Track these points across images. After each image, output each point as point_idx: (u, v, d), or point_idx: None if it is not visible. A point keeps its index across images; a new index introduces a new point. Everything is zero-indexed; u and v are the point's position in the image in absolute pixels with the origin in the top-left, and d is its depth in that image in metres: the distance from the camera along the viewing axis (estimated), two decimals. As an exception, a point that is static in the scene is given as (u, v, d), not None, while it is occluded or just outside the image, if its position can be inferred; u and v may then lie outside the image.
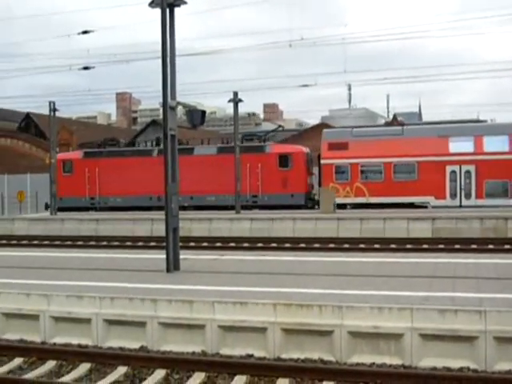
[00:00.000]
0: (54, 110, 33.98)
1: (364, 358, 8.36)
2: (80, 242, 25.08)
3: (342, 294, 9.37)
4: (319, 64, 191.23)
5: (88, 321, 9.68)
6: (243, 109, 36.51)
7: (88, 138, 47.52)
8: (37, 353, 9.23)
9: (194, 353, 8.97)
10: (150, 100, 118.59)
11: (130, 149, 38.55)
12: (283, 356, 8.67)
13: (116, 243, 24.37)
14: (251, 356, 8.75)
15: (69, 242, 25.26)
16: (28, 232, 29.94)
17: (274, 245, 22.44)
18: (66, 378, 8.26)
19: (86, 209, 36.99)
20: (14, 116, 71.14)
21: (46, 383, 8.19)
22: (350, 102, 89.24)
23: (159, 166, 39.98)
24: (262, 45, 36.58)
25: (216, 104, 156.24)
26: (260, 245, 22.50)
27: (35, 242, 25.60)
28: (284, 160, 33.49)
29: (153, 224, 28.39)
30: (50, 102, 34.08)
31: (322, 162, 33.63)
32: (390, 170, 32.49)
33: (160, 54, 12.33)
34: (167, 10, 12.40)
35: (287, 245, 22.37)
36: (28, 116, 66.12)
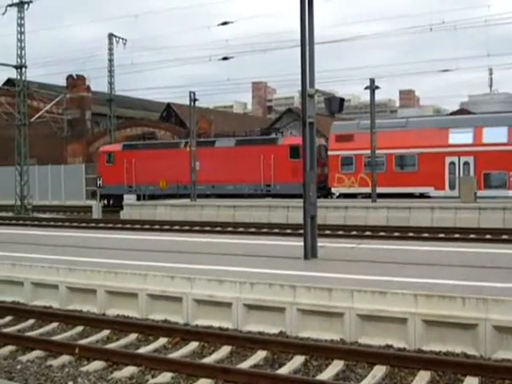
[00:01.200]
0: (195, 100, 35.07)
1: (511, 354, 7.99)
2: (218, 228, 25.80)
3: (481, 287, 8.99)
4: (461, 48, 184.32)
5: (229, 305, 9.93)
6: (379, 96, 36.17)
7: (225, 128, 48.71)
8: (180, 334, 9.57)
9: (332, 340, 8.98)
10: (285, 88, 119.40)
11: (160, 141, 42.56)
12: (424, 348, 8.46)
13: (253, 229, 24.88)
14: (390, 346, 8.62)
15: (207, 228, 26.07)
16: (170, 217, 31.25)
17: (411, 234, 22.01)
18: (209, 360, 8.52)
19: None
20: (156, 106, 74.13)
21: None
22: (490, 86, 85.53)
23: (184, 157, 42.63)
24: (402, 29, 36.48)
25: (351, 91, 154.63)
26: (397, 234, 22.14)
27: (176, 228, 26.64)
28: (294, 151, 34.53)
29: (288, 211, 28.76)
30: (190, 92, 35.19)
31: (330, 153, 35.29)
32: (391, 162, 33.31)
33: (298, 43, 12.36)
34: (306, -2, 12.39)
35: (425, 234, 21.86)
36: (169, 106, 68.54)
